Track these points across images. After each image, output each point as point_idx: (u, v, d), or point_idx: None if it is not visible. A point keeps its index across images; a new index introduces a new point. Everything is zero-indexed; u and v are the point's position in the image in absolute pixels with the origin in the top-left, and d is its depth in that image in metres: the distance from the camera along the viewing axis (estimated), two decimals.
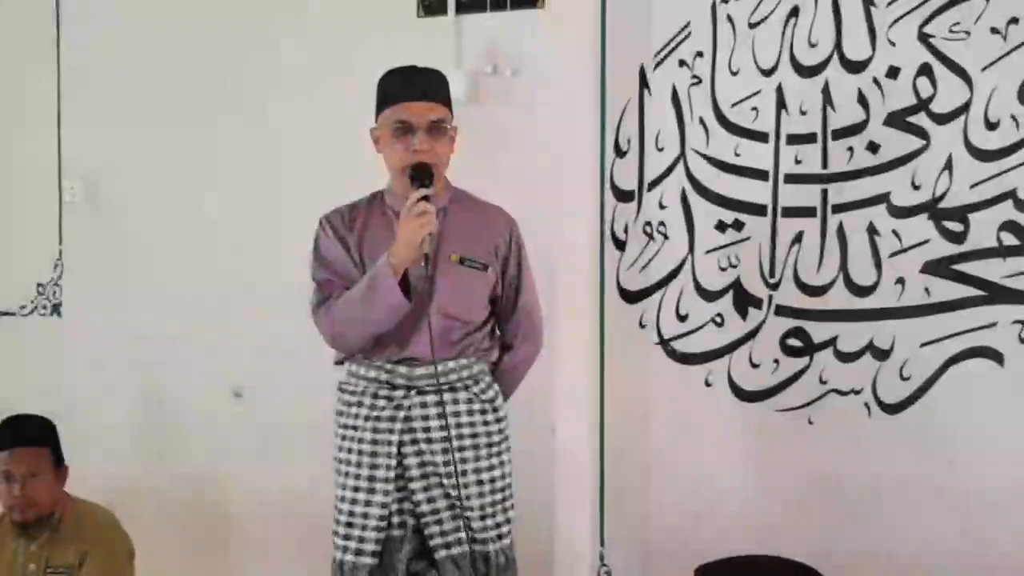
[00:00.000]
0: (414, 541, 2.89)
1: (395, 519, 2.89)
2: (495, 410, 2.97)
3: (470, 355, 2.93)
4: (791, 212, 3.43)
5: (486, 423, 2.94)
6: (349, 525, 2.89)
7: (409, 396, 2.87)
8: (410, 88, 2.86)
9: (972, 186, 3.22)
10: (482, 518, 2.90)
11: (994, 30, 3.20)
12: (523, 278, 3.03)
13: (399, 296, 2.76)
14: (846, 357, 3.37)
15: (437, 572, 2.88)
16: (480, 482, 2.90)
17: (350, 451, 2.91)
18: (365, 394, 2.91)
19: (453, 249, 2.89)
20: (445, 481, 2.85)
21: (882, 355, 3.33)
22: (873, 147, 3.33)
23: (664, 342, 3.62)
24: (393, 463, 2.86)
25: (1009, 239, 3.19)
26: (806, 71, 3.40)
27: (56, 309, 4.52)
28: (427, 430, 2.86)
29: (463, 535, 2.86)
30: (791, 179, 3.43)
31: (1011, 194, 3.19)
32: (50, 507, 3.43)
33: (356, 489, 2.88)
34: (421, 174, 2.80)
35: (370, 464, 2.87)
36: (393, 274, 2.76)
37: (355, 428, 2.91)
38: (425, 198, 2.76)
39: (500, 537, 2.93)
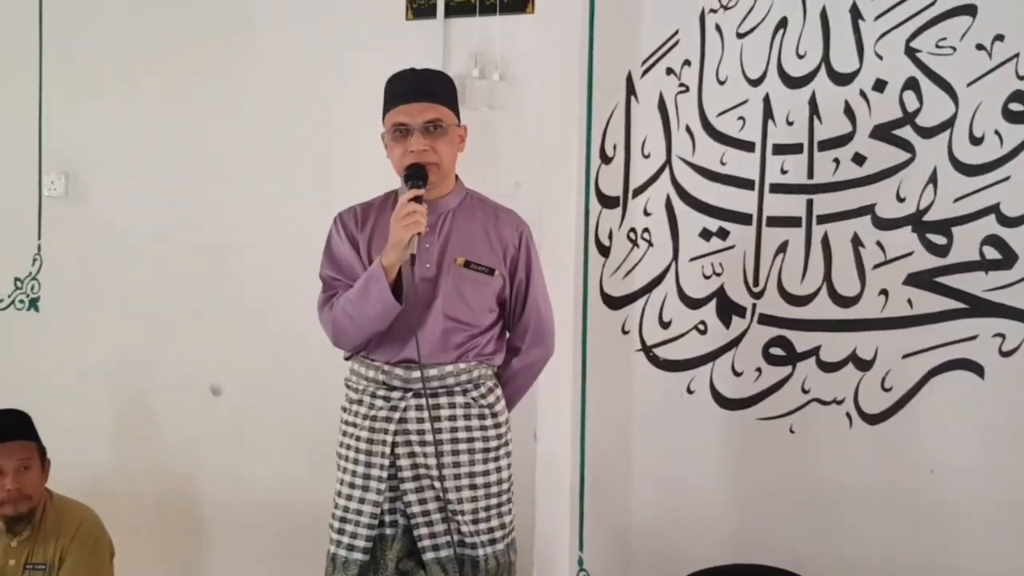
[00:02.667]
0: (404, 540, 2.91)
1: (387, 518, 2.91)
2: (494, 415, 2.97)
3: (471, 359, 2.93)
4: (776, 221, 3.45)
5: (483, 428, 2.94)
6: (343, 520, 2.91)
7: (405, 398, 2.88)
8: (407, 90, 2.90)
9: (956, 200, 3.25)
10: (474, 522, 2.91)
11: (979, 46, 3.23)
12: (532, 282, 3.03)
13: (389, 298, 2.78)
14: (828, 367, 3.39)
15: (425, 573, 2.89)
16: (474, 486, 2.91)
17: (348, 447, 2.94)
18: (365, 392, 2.93)
19: (460, 252, 2.90)
20: (437, 484, 2.87)
21: (864, 365, 3.35)
22: (859, 159, 3.35)
23: (647, 349, 3.63)
24: (387, 463, 2.88)
25: (991, 253, 3.23)
26: (793, 82, 3.42)
27: (34, 304, 4.48)
28: (421, 432, 2.87)
29: (451, 538, 2.87)
30: (776, 189, 3.45)
31: (994, 208, 3.22)
32: (38, 501, 3.41)
33: (352, 486, 2.91)
34: (414, 174, 2.83)
35: (365, 462, 2.90)
36: (384, 275, 2.77)
37: (354, 425, 2.94)
38: (417, 199, 2.77)
39: (493, 542, 2.94)
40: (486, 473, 2.95)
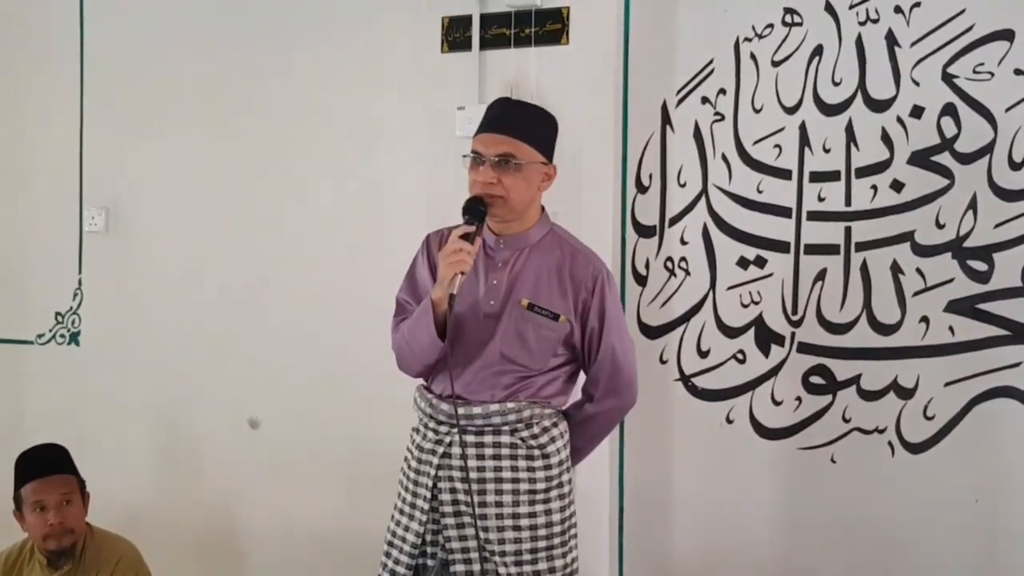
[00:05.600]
0: (443, 575, 2.86)
1: (429, 548, 2.87)
2: (545, 456, 2.84)
3: (521, 399, 2.83)
4: (814, 249, 3.43)
5: (530, 469, 2.83)
6: (391, 544, 2.91)
7: (451, 433, 2.83)
8: (491, 119, 2.84)
9: (996, 226, 3.23)
10: (517, 564, 2.81)
11: (1018, 71, 3.21)
12: (606, 330, 2.88)
13: (432, 333, 2.75)
14: (870, 395, 3.36)
15: None
16: (518, 527, 2.81)
17: (404, 473, 2.93)
18: (421, 423, 2.92)
19: (527, 292, 2.82)
20: (478, 523, 2.80)
21: (906, 394, 3.32)
22: (897, 185, 3.33)
23: (685, 378, 3.61)
24: (429, 495, 2.84)
25: None
26: (830, 109, 3.41)
27: (74, 338, 4.52)
28: (463, 469, 2.80)
29: None
30: (814, 216, 3.43)
31: None
32: (80, 535, 3.42)
33: (401, 512, 2.90)
34: (471, 210, 2.76)
35: (412, 491, 2.88)
36: (432, 310, 2.74)
37: (410, 452, 2.93)
38: (467, 236, 2.72)
39: None
40: (532, 515, 2.83)
